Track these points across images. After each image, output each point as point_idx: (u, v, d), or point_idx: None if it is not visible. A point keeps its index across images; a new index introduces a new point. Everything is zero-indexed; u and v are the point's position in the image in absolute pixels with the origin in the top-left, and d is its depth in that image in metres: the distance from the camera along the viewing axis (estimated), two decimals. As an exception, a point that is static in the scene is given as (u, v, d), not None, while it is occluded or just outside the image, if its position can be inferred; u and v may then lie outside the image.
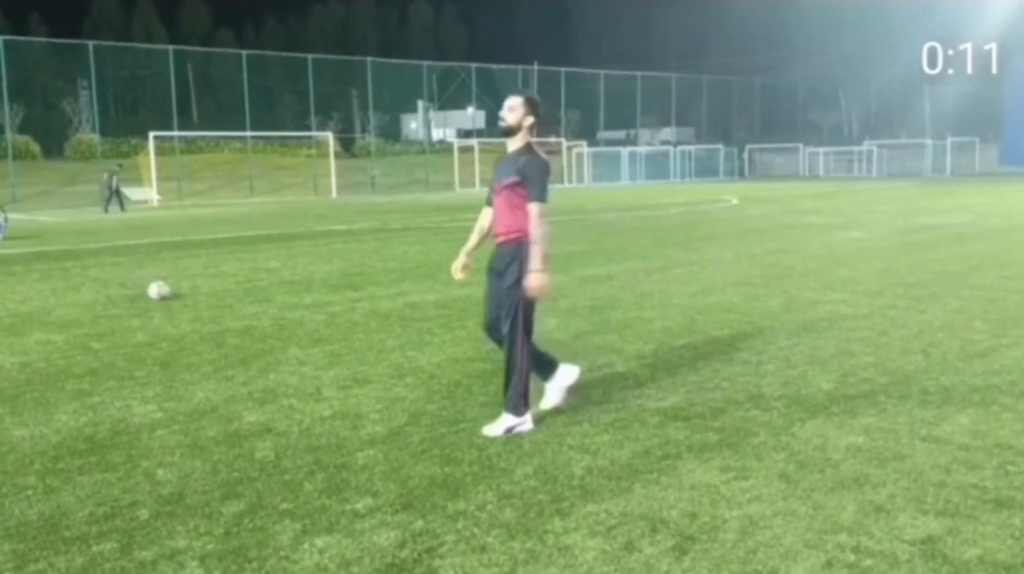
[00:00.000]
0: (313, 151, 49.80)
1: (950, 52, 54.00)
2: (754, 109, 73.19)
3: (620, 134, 66.55)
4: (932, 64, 59.18)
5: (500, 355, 5.20)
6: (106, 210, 31.99)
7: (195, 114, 61.00)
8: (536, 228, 4.88)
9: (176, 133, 44.37)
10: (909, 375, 6.05)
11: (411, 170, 51.05)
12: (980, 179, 47.55)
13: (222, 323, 8.60)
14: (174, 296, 10.16)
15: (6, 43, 39.88)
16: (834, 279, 10.58)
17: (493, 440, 4.82)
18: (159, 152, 39.78)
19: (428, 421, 5.21)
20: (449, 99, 64.31)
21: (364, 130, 59.90)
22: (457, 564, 3.38)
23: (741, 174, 61.58)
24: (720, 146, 62.23)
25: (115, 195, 32.44)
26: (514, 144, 5.19)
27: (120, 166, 34.36)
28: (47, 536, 3.71)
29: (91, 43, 43.67)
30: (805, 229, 17.90)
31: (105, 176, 33.09)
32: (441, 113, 67.55)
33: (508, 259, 4.97)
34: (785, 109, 73.69)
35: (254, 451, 4.73)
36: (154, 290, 9.90)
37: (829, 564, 3.32)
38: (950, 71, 55.82)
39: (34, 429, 5.22)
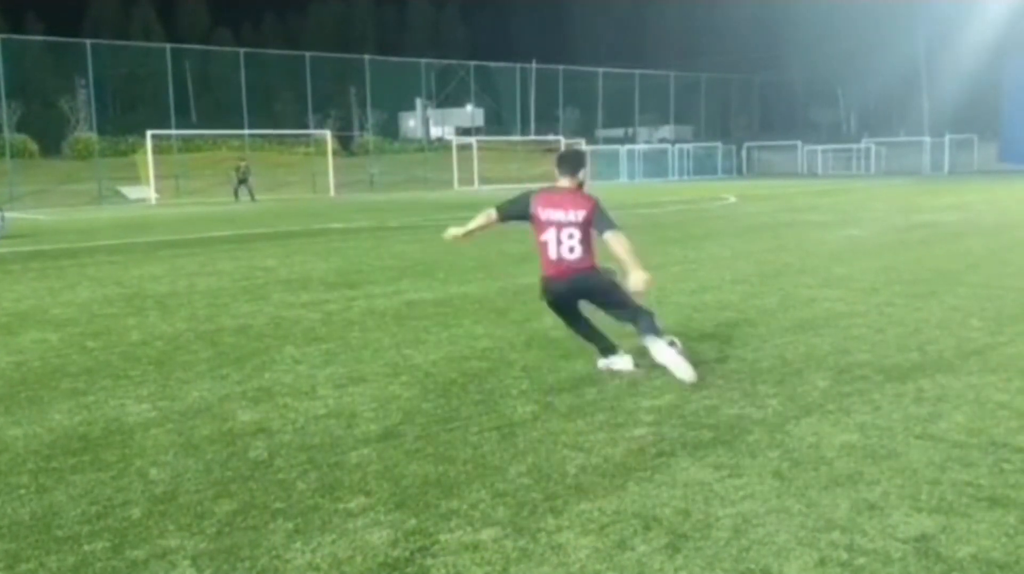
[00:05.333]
0: (311, 149, 49.77)
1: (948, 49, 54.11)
2: (753, 107, 73.20)
3: (618, 132, 66.47)
4: (931, 61, 59.31)
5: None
6: (236, 197, 36.27)
7: (193, 112, 60.91)
8: None
9: (174, 132, 44.32)
10: (905, 372, 6.04)
11: (409, 168, 51.03)
12: (979, 176, 47.52)
13: (217, 322, 8.58)
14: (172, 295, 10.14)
15: (3, 42, 39.81)
16: (831, 276, 10.58)
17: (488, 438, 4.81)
18: (157, 150, 39.70)
19: (423, 420, 5.20)
20: (448, 97, 64.27)
21: (362, 128, 59.81)
22: (449, 563, 3.37)
23: (739, 172, 61.53)
24: (718, 144, 62.17)
25: (243, 185, 36.28)
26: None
27: (242, 159, 38.62)
28: (39, 535, 3.70)
29: (89, 41, 43.62)
30: (803, 227, 17.89)
31: (235, 171, 37.03)
32: (440, 111, 67.47)
33: None
34: (783, 107, 73.69)
35: (247, 450, 4.72)
36: None
37: (822, 562, 3.31)
38: (948, 68, 55.95)
39: (28, 428, 5.21)
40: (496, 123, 64.16)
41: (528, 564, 3.35)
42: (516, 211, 6.13)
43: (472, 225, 6.33)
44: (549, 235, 5.90)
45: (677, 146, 60.11)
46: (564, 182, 6.07)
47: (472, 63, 59.64)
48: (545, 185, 6.35)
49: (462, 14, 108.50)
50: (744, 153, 63.27)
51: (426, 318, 8.49)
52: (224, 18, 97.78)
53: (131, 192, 39.95)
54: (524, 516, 3.78)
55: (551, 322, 8.06)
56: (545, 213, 5.93)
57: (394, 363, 6.65)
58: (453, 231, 6.42)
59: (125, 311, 9.34)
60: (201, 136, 48.77)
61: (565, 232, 5.86)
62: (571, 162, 6.16)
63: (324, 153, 45.24)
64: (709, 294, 9.50)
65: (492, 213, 6.23)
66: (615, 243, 5.81)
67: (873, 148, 57.73)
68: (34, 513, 3.94)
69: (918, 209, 22.60)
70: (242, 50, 49.83)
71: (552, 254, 5.92)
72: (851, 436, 4.73)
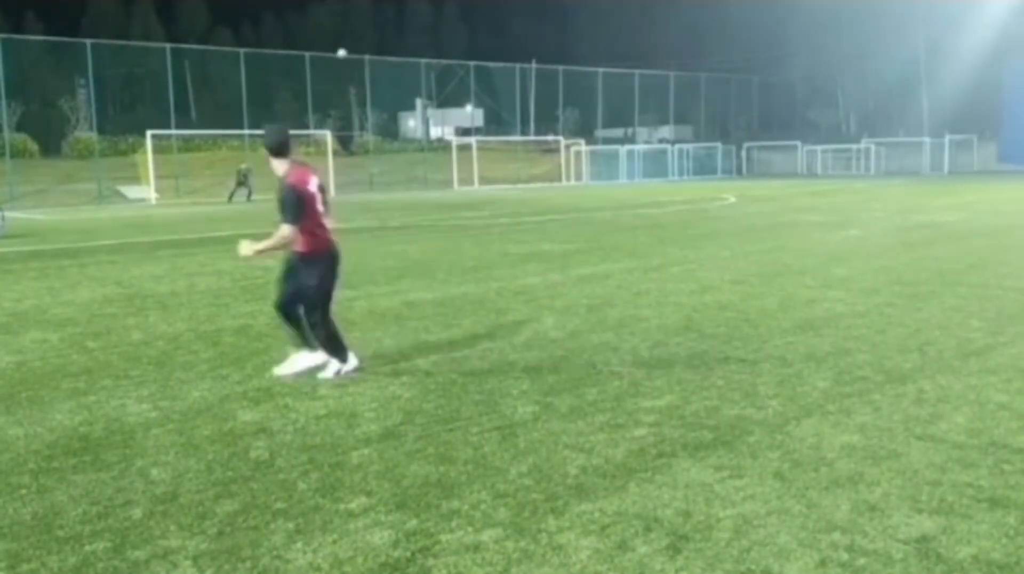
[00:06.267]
0: (311, 149, 49.66)
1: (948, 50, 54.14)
2: (752, 107, 73.14)
3: (618, 132, 66.41)
4: (930, 62, 59.32)
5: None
6: (231, 200, 36.52)
7: (193, 112, 60.86)
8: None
9: (174, 131, 44.28)
10: (905, 373, 6.05)
11: (409, 168, 50.99)
12: (978, 177, 47.53)
13: (218, 322, 8.59)
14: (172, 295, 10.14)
15: (3, 42, 39.78)
16: (831, 277, 10.58)
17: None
18: (157, 150, 39.67)
19: (423, 420, 5.20)
20: (447, 97, 64.18)
21: (362, 128, 59.75)
22: (451, 563, 3.38)
23: (739, 172, 61.50)
24: (718, 144, 62.16)
25: (242, 187, 36.56)
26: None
27: (243, 162, 38.88)
28: (40, 535, 3.70)
29: (88, 41, 43.55)
30: (803, 227, 17.89)
31: (237, 173, 37.58)
32: (439, 111, 67.36)
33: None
34: (783, 107, 73.58)
35: (248, 450, 4.73)
36: None
37: (823, 563, 3.31)
38: (948, 69, 55.98)
39: (29, 428, 5.21)
40: (496, 123, 64.09)
41: (529, 565, 3.35)
42: (301, 209, 6.05)
43: (269, 243, 6.16)
44: (321, 204, 6.24)
45: (677, 146, 60.06)
46: (291, 158, 6.24)
47: (472, 63, 59.58)
48: (296, 174, 6.25)
49: (462, 14, 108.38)
50: (744, 153, 63.24)
51: (426, 318, 8.49)
52: (224, 18, 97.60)
53: (131, 192, 39.92)
54: (525, 517, 3.78)
55: (551, 322, 8.08)
56: (311, 186, 6.17)
57: (394, 363, 6.66)
58: (247, 246, 6.20)
59: (125, 311, 9.34)
60: (201, 136, 48.73)
61: (321, 197, 6.26)
62: (289, 140, 6.35)
63: (324, 153, 45.20)
64: (709, 295, 9.50)
65: (287, 230, 6.04)
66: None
67: (873, 148, 57.71)
68: (35, 513, 3.94)
69: (918, 210, 22.60)
70: (242, 50, 49.80)
71: (327, 220, 6.28)
72: (852, 437, 4.73)
